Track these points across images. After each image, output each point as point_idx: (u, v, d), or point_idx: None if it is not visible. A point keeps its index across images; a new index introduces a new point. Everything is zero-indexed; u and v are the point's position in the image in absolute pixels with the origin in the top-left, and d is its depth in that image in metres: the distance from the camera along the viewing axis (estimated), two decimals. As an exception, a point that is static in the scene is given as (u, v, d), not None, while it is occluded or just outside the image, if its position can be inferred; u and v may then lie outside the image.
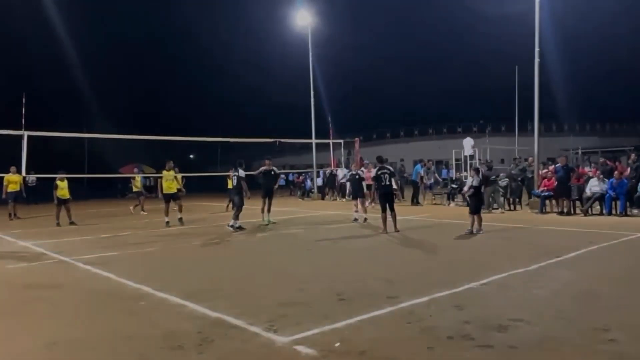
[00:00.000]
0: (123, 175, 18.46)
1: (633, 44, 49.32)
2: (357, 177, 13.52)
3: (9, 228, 13.46)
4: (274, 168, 13.57)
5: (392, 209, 10.77)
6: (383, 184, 10.76)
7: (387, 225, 10.73)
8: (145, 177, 19.90)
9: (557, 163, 14.81)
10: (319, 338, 4.15)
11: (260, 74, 58.01)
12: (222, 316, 4.80)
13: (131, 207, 17.39)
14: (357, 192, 13.55)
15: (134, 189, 17.99)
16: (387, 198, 10.80)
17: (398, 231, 10.57)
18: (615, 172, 13.53)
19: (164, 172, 13.31)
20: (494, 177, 15.44)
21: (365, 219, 12.85)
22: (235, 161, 12.41)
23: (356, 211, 13.24)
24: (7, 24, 42.84)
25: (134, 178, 18.27)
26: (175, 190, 13.37)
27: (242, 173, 11.98)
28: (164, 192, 13.23)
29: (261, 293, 5.77)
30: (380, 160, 11.36)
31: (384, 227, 10.70)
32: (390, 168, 11.29)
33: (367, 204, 14.19)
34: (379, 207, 11.19)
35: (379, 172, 10.86)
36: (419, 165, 19.67)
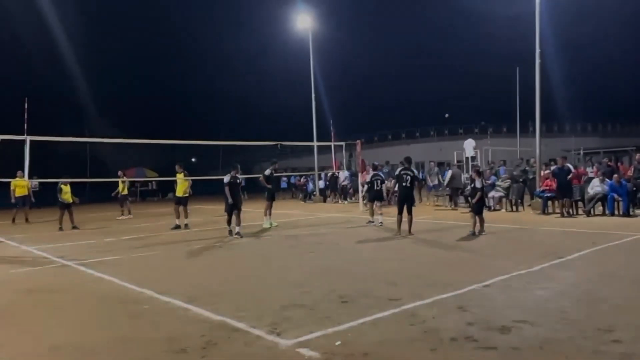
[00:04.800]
0: (125, 179, 18.32)
1: (635, 43, 49.36)
2: (378, 180, 13.37)
3: (12, 232, 13.48)
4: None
5: (409, 212, 10.61)
6: (404, 184, 10.63)
7: (403, 228, 10.60)
8: (147, 181, 19.76)
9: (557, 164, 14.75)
10: (322, 340, 4.15)
11: (262, 77, 58.30)
12: (225, 319, 4.81)
13: (129, 216, 17.35)
14: (377, 195, 13.30)
15: (122, 193, 17.57)
16: (405, 199, 10.67)
17: (412, 234, 10.41)
18: (615, 176, 13.48)
19: (177, 175, 13.44)
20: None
21: (380, 223, 12.70)
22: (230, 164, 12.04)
23: (380, 214, 13.05)
24: (10, 27, 43.07)
25: (123, 182, 17.91)
26: (185, 194, 13.32)
27: (226, 178, 11.24)
28: (176, 194, 13.51)
29: (264, 296, 5.78)
30: (408, 161, 11.07)
31: (399, 229, 10.57)
32: (415, 171, 11.03)
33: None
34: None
35: (402, 172, 10.74)
36: None
